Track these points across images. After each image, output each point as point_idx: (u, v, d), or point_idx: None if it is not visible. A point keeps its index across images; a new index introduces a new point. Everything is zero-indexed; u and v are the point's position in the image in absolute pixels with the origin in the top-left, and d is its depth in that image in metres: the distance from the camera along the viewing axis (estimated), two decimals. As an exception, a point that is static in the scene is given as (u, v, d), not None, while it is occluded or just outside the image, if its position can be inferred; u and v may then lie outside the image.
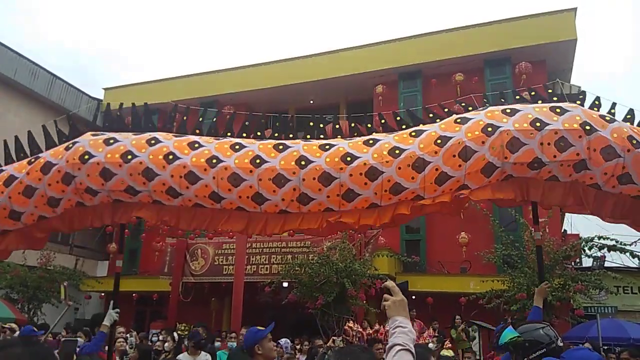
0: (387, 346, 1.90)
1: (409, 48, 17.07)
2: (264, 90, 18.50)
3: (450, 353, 6.38)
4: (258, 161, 3.99)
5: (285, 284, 12.93)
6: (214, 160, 4.01)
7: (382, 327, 8.98)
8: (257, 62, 19.24)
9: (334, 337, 9.64)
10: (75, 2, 62.79)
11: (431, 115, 4.44)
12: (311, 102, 19.15)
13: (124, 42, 65.17)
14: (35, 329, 6.98)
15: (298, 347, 10.59)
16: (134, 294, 16.75)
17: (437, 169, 3.92)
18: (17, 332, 7.33)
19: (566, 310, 11.93)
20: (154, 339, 10.76)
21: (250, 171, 3.96)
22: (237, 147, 4.11)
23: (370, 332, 8.85)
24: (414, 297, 13.35)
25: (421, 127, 4.25)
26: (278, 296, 13.04)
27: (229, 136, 4.45)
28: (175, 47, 63.79)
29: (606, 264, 12.50)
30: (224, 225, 4.24)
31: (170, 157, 4.10)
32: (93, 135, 4.47)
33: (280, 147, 4.10)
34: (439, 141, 3.98)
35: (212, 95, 19.16)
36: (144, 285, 16.36)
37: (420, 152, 3.95)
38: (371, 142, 4.11)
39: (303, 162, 3.96)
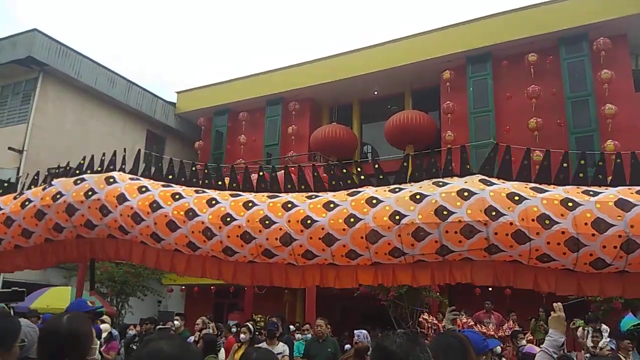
0: None
1: (477, 30, 16.42)
2: (327, 84, 18.56)
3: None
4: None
5: (356, 276, 12.94)
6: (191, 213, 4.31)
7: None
8: (320, 57, 19.30)
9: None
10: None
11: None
12: (375, 92, 18.98)
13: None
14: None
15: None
16: (212, 287, 17.43)
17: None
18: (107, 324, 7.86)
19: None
20: (234, 329, 11.16)
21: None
22: (213, 202, 4.35)
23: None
24: (490, 289, 12.93)
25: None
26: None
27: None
28: (227, 50, 65.39)
29: None
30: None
31: (154, 205, 4.48)
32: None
33: (250, 204, 4.30)
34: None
35: (278, 93, 19.51)
36: (221, 279, 16.97)
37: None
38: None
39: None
